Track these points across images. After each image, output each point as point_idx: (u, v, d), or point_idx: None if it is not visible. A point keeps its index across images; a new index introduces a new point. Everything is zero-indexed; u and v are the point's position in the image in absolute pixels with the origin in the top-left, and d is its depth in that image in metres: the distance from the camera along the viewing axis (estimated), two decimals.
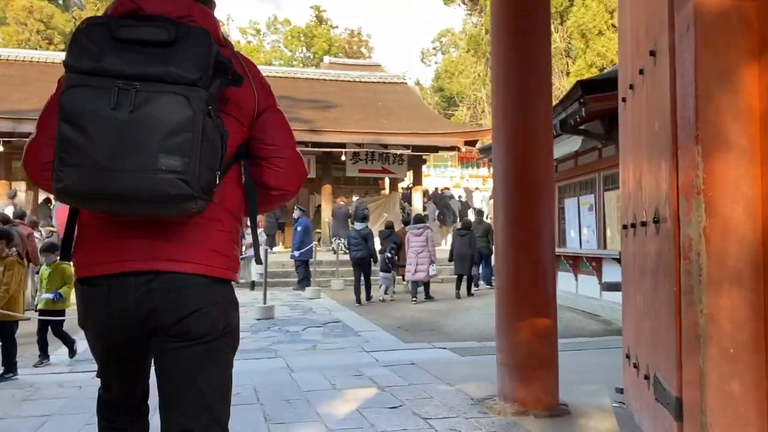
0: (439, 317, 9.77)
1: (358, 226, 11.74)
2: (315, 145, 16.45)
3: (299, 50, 52.77)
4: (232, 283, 1.70)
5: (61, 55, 14.13)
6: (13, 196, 14.06)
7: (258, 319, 9.27)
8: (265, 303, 9.63)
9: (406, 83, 23.27)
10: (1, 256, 5.59)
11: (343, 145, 16.87)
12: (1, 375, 5.61)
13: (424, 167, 22.01)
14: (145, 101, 1.40)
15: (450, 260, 12.52)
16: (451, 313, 10.14)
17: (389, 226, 12.96)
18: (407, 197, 21.80)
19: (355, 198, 17.57)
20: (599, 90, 7.54)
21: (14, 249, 5.68)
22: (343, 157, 17.30)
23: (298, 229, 13.63)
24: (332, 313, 10.07)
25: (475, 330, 8.49)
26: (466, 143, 17.49)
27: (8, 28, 29.76)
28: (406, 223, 13.55)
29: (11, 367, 5.66)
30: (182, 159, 1.40)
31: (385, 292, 11.94)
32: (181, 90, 1.41)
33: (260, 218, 18.22)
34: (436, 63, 56.14)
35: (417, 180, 18.87)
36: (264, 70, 14.54)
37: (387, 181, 21.63)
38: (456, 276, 12.39)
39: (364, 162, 18.06)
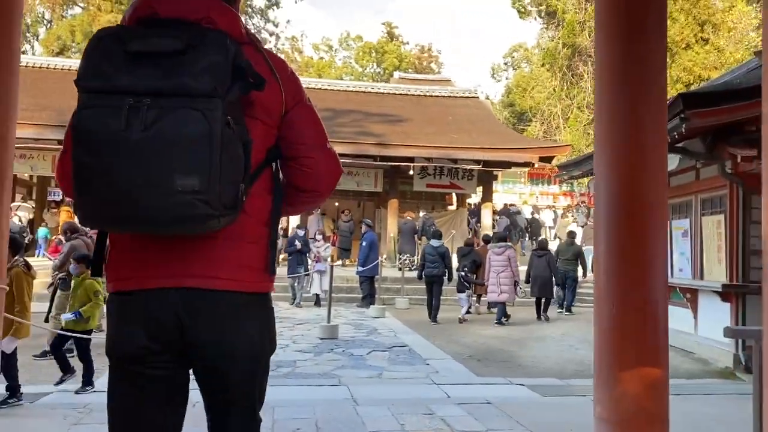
0: (512, 346, 9.09)
1: (434, 243, 11.57)
2: (383, 158, 16.09)
3: (370, 66, 53.12)
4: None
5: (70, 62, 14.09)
6: None
7: (321, 339, 8.87)
8: (329, 322, 9.23)
9: (477, 97, 22.66)
10: (7, 267, 5.30)
11: (411, 159, 16.42)
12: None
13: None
14: (157, 118, 1.31)
15: (526, 281, 12.09)
16: (525, 342, 9.44)
17: (469, 243, 12.65)
18: (475, 213, 21.11)
19: (422, 213, 17.04)
20: (703, 104, 6.80)
21: (21, 259, 5.27)
22: (411, 171, 16.83)
23: (364, 244, 13.25)
24: (398, 335, 9.57)
25: (555, 364, 7.79)
26: (541, 159, 16.70)
27: None
28: (486, 241, 13.29)
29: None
30: (200, 177, 1.31)
31: (467, 312, 11.64)
32: (196, 103, 1.32)
33: (333, 232, 18.00)
34: (507, 78, 55.23)
35: (487, 196, 18.16)
36: (335, 84, 14.51)
37: (454, 196, 21.05)
38: (535, 299, 11.99)
39: (432, 177, 17.52)
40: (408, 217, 16.36)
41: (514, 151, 16.37)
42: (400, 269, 14.82)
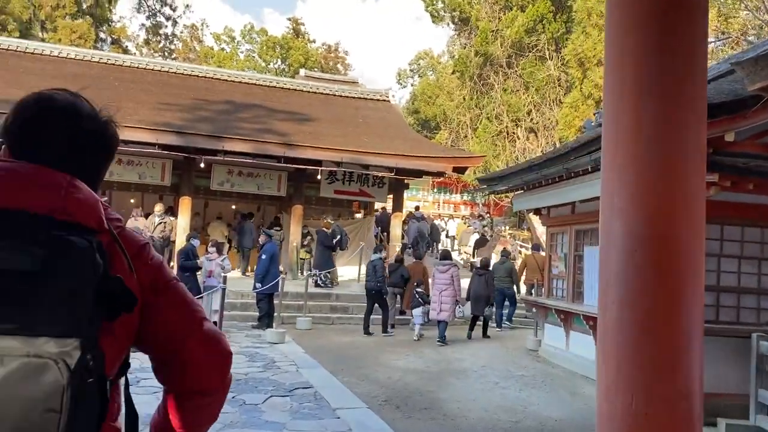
0: (432, 384, 7.97)
1: (372, 257, 12.10)
2: (288, 160, 14.57)
3: (274, 61, 51.20)
4: None
5: (9, 41, 11.99)
6: None
7: None
8: None
9: (388, 101, 21.62)
10: None
11: (319, 163, 15.04)
12: None
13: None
14: None
15: (467, 299, 12.00)
16: (445, 379, 8.34)
17: (398, 260, 12.83)
18: (380, 221, 20.06)
19: (331, 221, 15.66)
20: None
21: None
22: (318, 176, 15.43)
23: (264, 257, 11.71)
24: (300, 370, 8.16)
25: (484, 412, 6.72)
26: (455, 169, 15.87)
27: None
28: (417, 257, 13.68)
29: None
30: None
31: (421, 330, 11.54)
32: (47, 348, 0.98)
33: (228, 240, 16.17)
34: (412, 85, 55.14)
35: (398, 206, 17.07)
36: (238, 75, 12.89)
37: (359, 203, 19.93)
38: (471, 317, 11.99)
39: (341, 182, 16.21)
40: (324, 228, 14.89)
41: (428, 159, 15.41)
42: (317, 285, 13.96)
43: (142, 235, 1.33)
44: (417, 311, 11.45)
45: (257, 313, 11.74)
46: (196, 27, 51.23)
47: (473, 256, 19.03)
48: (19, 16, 28.71)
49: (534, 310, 10.79)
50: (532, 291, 14.35)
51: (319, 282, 14.13)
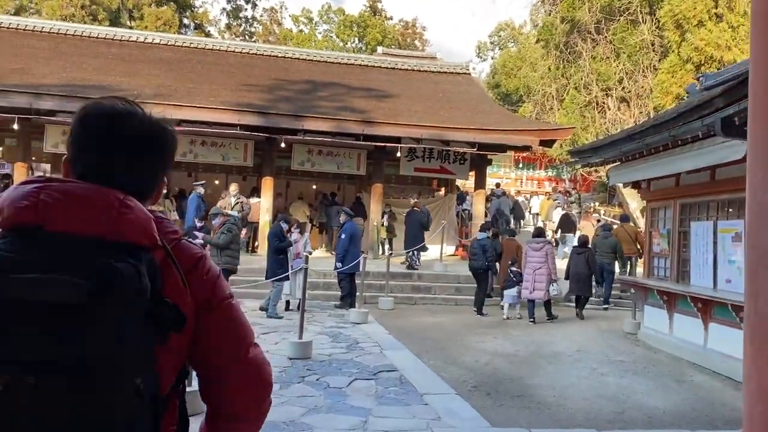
0: (523, 369, 7.52)
1: (479, 236, 11.66)
2: (367, 138, 14.31)
3: (351, 41, 51.10)
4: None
5: (99, 29, 12.33)
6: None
7: (291, 359, 7.19)
8: (301, 336, 7.53)
9: (469, 74, 20.90)
10: None
11: (398, 140, 14.68)
12: None
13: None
14: (48, 402, 0.99)
15: (566, 278, 11.61)
16: (538, 363, 7.86)
17: (494, 234, 12.37)
18: (461, 198, 19.52)
19: (416, 199, 15.26)
20: None
21: None
22: (398, 153, 15.07)
23: (343, 236, 11.52)
24: (384, 351, 7.91)
25: (583, 401, 6.22)
26: (542, 143, 15.10)
27: (52, 2, 28.59)
28: (511, 234, 13.33)
29: None
30: None
31: (508, 309, 11.18)
32: (101, 389, 1.02)
33: (310, 220, 16.13)
34: (492, 58, 53.63)
35: (480, 183, 16.48)
36: (316, 54, 12.83)
37: (435, 181, 19.46)
38: (574, 297, 11.63)
39: (421, 160, 15.81)
40: (416, 208, 14.53)
41: (512, 133, 14.72)
42: (410, 267, 13.72)
43: (198, 247, 1.30)
44: (510, 291, 11.06)
45: (339, 293, 11.62)
46: (275, 10, 51.89)
47: (556, 233, 18.19)
48: (108, 5, 29.89)
49: (632, 290, 10.04)
50: (628, 264, 13.53)
51: (413, 264, 13.82)
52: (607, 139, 9.88)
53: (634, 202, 21.76)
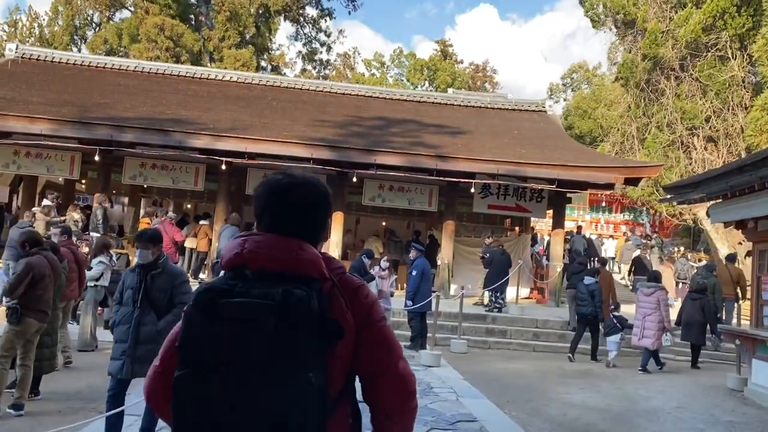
0: (620, 426, 6.69)
1: (587, 280, 11.07)
2: (440, 173, 13.87)
3: (422, 83, 51.49)
4: None
5: (180, 68, 12.65)
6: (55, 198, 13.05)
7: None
8: None
9: (545, 111, 20.25)
10: None
11: (472, 176, 14.15)
12: None
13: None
14: (251, 392, 1.39)
15: (677, 324, 11.17)
16: (633, 420, 7.00)
17: (582, 263, 12.45)
18: (534, 239, 18.70)
19: (488, 239, 14.58)
20: None
21: None
22: (472, 189, 14.51)
23: (414, 273, 11.00)
24: (461, 399, 7.26)
25: None
26: (626, 181, 14.20)
27: (140, 45, 30.07)
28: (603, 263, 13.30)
29: None
30: None
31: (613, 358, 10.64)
32: (284, 379, 1.39)
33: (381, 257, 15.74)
34: (565, 100, 52.68)
35: (558, 222, 15.67)
36: (389, 92, 12.71)
37: (509, 220, 18.72)
38: (690, 345, 11.13)
39: (495, 197, 15.17)
40: (497, 246, 13.91)
41: (595, 170, 13.90)
42: (494, 309, 13.02)
43: (359, 279, 1.68)
44: (613, 338, 10.56)
45: (409, 333, 11.05)
46: (349, 55, 53.15)
47: (629, 275, 17.08)
48: (190, 48, 31.17)
49: (737, 342, 9.00)
50: (722, 309, 12.40)
51: (496, 305, 13.09)
52: (710, 173, 9.04)
53: (724, 247, 20.25)
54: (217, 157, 13.59)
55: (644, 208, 31.72)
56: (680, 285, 16.55)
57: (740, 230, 9.48)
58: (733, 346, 9.46)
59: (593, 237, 24.05)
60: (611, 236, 31.67)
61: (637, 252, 18.36)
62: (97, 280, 8.63)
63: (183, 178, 14.77)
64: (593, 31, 25.54)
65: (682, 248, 25.28)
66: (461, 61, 54.42)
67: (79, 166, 14.34)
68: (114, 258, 9.71)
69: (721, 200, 8.81)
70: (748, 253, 18.93)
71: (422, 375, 8.53)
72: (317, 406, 1.40)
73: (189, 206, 18.33)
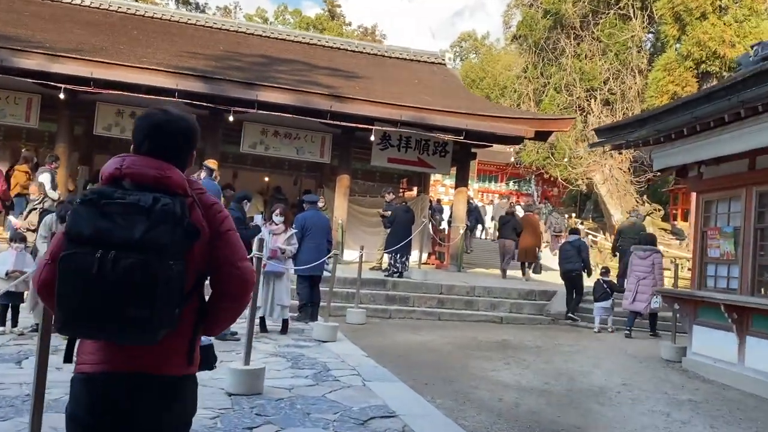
0: (572, 412, 5.21)
1: (571, 237, 11.37)
2: (335, 116, 11.89)
3: None
4: None
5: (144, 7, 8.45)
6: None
7: (232, 395, 4.68)
8: (247, 361, 5.00)
9: (444, 64, 18.79)
10: None
11: (371, 122, 12.32)
12: None
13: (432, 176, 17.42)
14: (122, 265, 1.68)
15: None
16: (581, 404, 5.56)
17: (510, 213, 13.17)
18: (438, 210, 17.43)
19: (389, 196, 12.72)
20: None
21: None
22: (372, 137, 12.65)
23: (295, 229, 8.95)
24: (368, 384, 5.44)
25: None
26: (537, 134, 12.98)
27: None
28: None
29: None
30: (146, 310, 1.69)
31: (602, 326, 10.41)
32: (151, 255, 1.69)
33: (262, 215, 13.50)
34: (454, 68, 52.23)
35: (462, 180, 14.27)
36: (273, 30, 9.97)
37: (406, 179, 17.22)
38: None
39: (396, 149, 13.47)
40: (399, 203, 12.11)
41: (506, 120, 12.55)
42: (395, 274, 11.31)
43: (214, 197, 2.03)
44: (600, 304, 10.38)
45: (297, 302, 9.08)
46: (229, 9, 49.35)
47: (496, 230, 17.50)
48: None
49: (676, 306, 7.92)
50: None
51: (394, 268, 11.32)
52: (650, 112, 7.79)
53: (617, 212, 20.04)
54: (54, 83, 10.71)
55: (531, 176, 31.72)
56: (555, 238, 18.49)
57: (682, 178, 8.41)
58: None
59: (480, 204, 24.41)
60: (491, 201, 31.79)
61: (503, 211, 17.99)
62: None
63: (10, 111, 11.71)
64: (481, 4, 24.36)
65: (569, 216, 25.17)
66: (350, 24, 52.58)
67: None
68: None
69: (660, 144, 7.60)
70: (648, 215, 18.91)
71: (316, 353, 6.63)
72: (176, 284, 1.75)
73: (26, 150, 15.00)
